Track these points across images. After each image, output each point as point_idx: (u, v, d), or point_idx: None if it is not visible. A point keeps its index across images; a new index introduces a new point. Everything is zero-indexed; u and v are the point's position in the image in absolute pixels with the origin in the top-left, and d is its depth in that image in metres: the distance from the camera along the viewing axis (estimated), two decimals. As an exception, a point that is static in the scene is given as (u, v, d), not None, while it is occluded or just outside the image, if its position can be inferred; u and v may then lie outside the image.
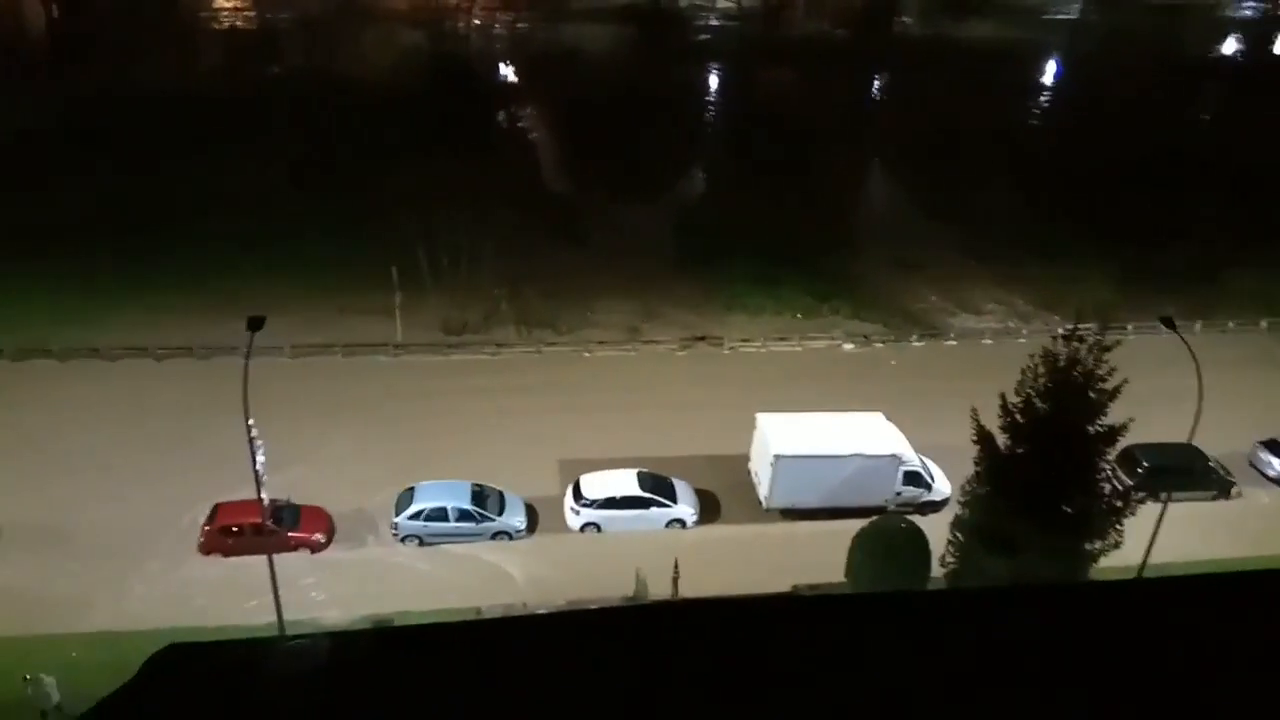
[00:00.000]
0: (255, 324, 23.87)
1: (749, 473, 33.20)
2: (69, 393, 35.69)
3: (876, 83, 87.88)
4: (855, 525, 27.45)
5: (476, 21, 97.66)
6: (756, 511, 32.07)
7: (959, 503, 26.24)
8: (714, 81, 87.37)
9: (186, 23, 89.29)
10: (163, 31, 79.47)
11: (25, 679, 22.77)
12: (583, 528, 31.01)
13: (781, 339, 42.66)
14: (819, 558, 27.41)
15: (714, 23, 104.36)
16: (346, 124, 61.49)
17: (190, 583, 27.85)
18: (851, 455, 31.46)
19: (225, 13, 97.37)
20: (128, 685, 8.67)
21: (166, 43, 78.14)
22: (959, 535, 25.28)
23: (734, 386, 38.05)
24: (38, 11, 79.76)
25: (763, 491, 32.05)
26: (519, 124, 70.21)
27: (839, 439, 32.02)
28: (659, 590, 26.97)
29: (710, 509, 32.29)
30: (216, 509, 29.22)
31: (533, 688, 8.01)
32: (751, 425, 33.01)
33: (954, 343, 43.56)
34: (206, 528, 29.00)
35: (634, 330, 42.55)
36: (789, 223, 51.03)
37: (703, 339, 42.33)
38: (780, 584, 26.62)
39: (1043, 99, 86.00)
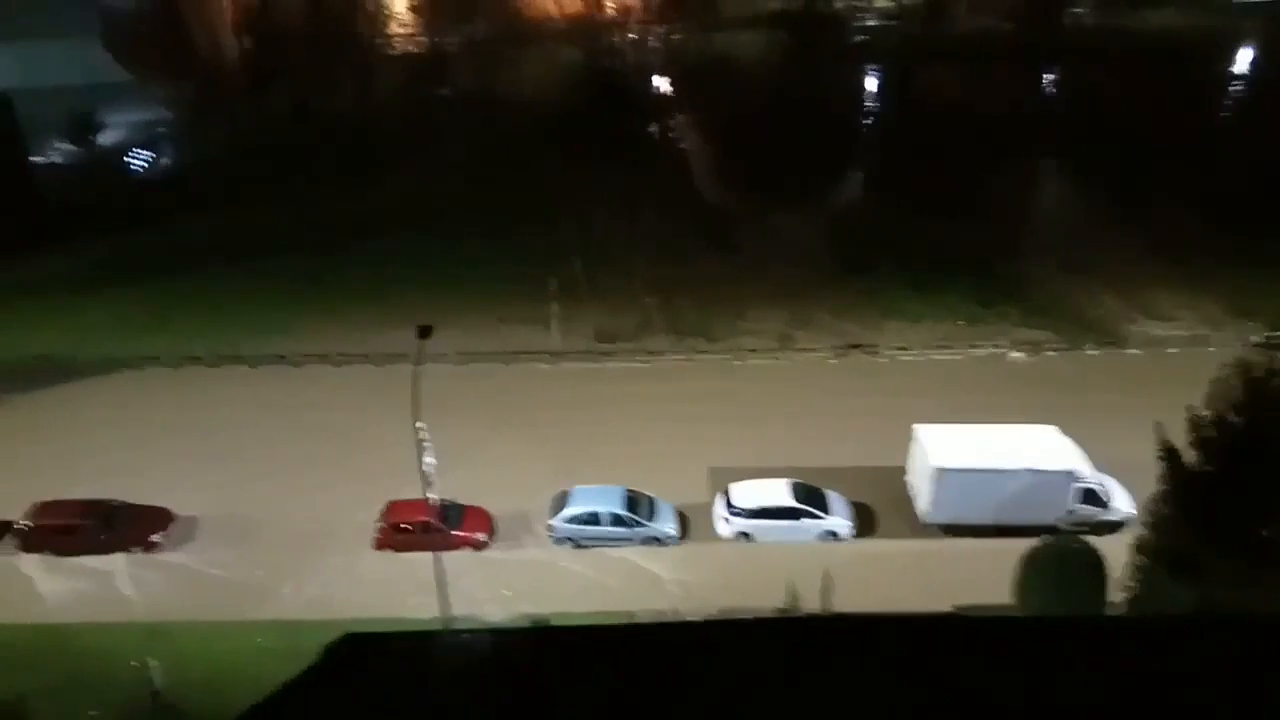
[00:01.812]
0: (424, 332, 25.14)
1: (905, 485, 32.17)
2: (258, 396, 38.58)
3: (1047, 78, 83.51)
4: (1023, 544, 26.08)
5: (631, 35, 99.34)
6: (914, 526, 31.03)
7: (1143, 524, 24.50)
8: (872, 83, 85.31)
9: (363, 49, 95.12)
10: (342, 59, 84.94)
11: (132, 664, 24.21)
12: (734, 537, 30.90)
13: (942, 346, 41.15)
14: (983, 577, 26.18)
15: (871, 23, 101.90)
16: (507, 140, 63.91)
17: (364, 576, 29.54)
18: (1021, 470, 29.92)
19: (398, 39, 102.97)
20: (308, 671, 9.32)
21: (345, 69, 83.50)
22: (1142, 558, 23.60)
23: (889, 396, 36.98)
24: (231, 43, 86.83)
25: (922, 505, 30.97)
26: (672, 133, 70.80)
27: (1007, 452, 30.52)
28: (811, 604, 26.50)
29: (865, 522, 31.48)
30: (389, 507, 30.86)
31: (684, 693, 8.06)
32: (907, 436, 31.95)
33: (1135, 352, 40.77)
34: (380, 525, 30.69)
35: (786, 338, 42.04)
36: (953, 226, 49.18)
37: (857, 347, 41.38)
38: (941, 603, 25.54)
39: (1232, 91, 79.31)
